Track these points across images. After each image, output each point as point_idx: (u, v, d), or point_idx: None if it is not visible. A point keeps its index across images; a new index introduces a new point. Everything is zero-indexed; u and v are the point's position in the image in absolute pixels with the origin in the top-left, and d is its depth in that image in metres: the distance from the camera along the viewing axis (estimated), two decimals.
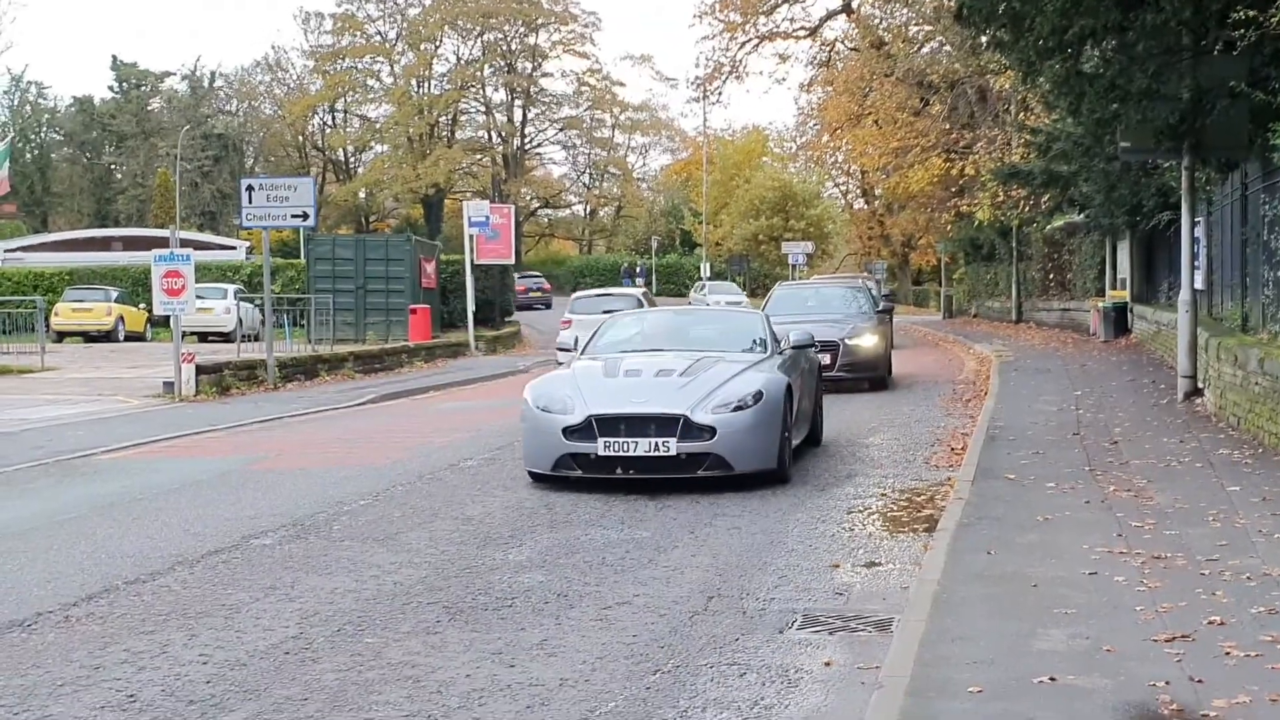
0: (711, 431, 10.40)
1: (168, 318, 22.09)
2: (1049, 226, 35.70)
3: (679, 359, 11.61)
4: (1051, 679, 5.30)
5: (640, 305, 23.26)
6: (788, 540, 8.83)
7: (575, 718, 5.28)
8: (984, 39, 16.23)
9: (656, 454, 10.38)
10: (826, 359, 17.51)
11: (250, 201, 22.18)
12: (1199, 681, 5.24)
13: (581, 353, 12.78)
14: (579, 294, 29.10)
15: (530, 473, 11.10)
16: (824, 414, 14.10)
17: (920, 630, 6.06)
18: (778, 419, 10.78)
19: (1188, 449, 11.92)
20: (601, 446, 10.44)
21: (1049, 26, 14.33)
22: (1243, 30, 13.46)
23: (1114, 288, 31.33)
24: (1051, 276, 38.52)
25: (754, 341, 12.53)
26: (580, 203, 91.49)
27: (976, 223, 38.93)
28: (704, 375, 11.06)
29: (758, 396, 10.66)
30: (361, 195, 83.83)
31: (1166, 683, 5.23)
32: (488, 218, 33.93)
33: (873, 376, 19.92)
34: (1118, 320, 28.75)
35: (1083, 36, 14.32)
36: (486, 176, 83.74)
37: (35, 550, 8.86)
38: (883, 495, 10.61)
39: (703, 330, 13.34)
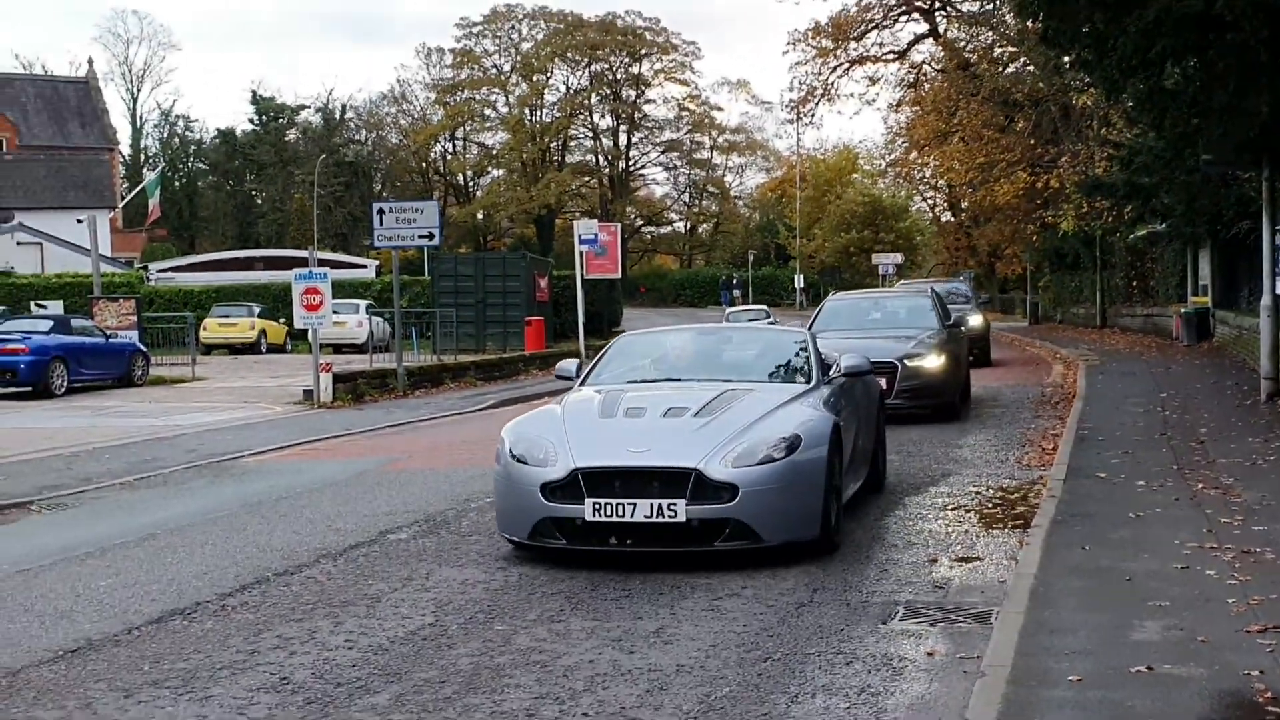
0: (732, 491, 7.53)
1: (306, 331, 22.49)
2: (1132, 236, 34.99)
3: (696, 393, 8.71)
4: (1149, 668, 5.19)
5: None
6: (887, 536, 8.75)
7: (693, 702, 5.28)
8: (1067, 59, 15.96)
9: (660, 520, 7.50)
10: (882, 383, 13.10)
11: (381, 224, 22.50)
12: None
13: (581, 382, 9.65)
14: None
15: (509, 540, 8.27)
16: (888, 443, 11.29)
17: (1019, 622, 5.98)
18: (820, 473, 7.91)
19: (1272, 448, 11.62)
20: (590, 509, 7.57)
21: (1131, 46, 14.05)
22: None
23: (1195, 294, 30.62)
24: (1135, 284, 37.75)
25: (795, 368, 9.61)
26: (681, 219, 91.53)
27: (1061, 233, 38.26)
28: (725, 415, 8.17)
29: (793, 444, 7.83)
30: (479, 216, 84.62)
31: (1260, 672, 5.10)
32: (596, 235, 34.07)
33: (937, 404, 15.57)
34: (1200, 325, 28.08)
35: (1164, 55, 14.02)
36: (594, 197, 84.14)
37: (192, 545, 9.08)
38: (976, 494, 10.45)
39: (734, 354, 10.27)
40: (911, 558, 8.02)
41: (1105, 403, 16.48)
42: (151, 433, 16.86)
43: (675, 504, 7.49)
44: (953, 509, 9.71)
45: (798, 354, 9.78)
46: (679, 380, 9.33)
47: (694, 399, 8.49)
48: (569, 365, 10.00)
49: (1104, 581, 6.78)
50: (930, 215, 75.36)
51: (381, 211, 22.62)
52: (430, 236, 22.49)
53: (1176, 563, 7.13)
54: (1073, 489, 9.78)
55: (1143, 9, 13.60)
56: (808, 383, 9.23)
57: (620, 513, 7.54)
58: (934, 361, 15.66)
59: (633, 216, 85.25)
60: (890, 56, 48.31)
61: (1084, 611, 6.16)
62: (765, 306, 47.54)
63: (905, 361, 15.34)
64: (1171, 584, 6.65)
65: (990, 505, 9.86)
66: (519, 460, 8.00)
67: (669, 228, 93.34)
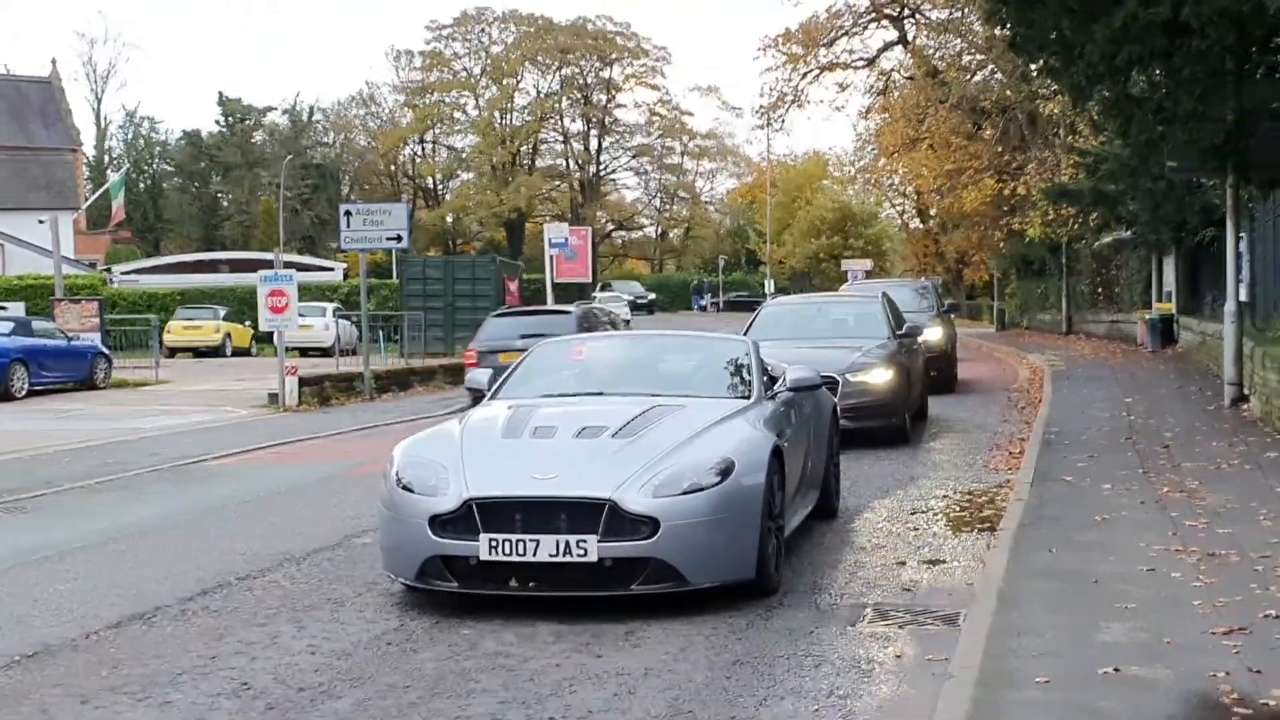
0: (652, 525, 6.51)
1: (272, 334, 22.34)
2: (1097, 243, 35.26)
3: (619, 408, 7.66)
4: (1115, 670, 5.20)
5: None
6: (855, 539, 8.74)
7: (662, 705, 5.24)
8: (1035, 67, 16.00)
9: (568, 559, 6.46)
10: None
11: (349, 226, 22.38)
12: (1257, 672, 5.12)
13: (492, 396, 8.53)
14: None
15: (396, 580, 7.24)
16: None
17: (986, 624, 5.97)
18: (757, 503, 6.86)
19: (1236, 452, 11.69)
20: (486, 546, 6.54)
21: (1098, 53, 14.11)
22: None
23: (1160, 301, 30.85)
24: (1100, 290, 38.01)
25: (734, 381, 8.55)
26: (652, 225, 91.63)
27: (1027, 239, 38.47)
28: (648, 435, 7.15)
29: (725, 470, 6.78)
30: (449, 220, 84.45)
31: (1226, 673, 5.11)
32: (566, 239, 34.14)
33: (885, 425, 13.83)
34: (1164, 331, 28.28)
35: (1131, 62, 14.10)
36: (565, 201, 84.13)
37: (153, 549, 8.98)
38: (944, 496, 10.47)
39: (668, 365, 9.08)
40: (880, 560, 8.01)
41: (1071, 408, 16.54)
42: (113, 436, 16.70)
43: (585, 541, 6.45)
44: (920, 513, 9.71)
45: (738, 364, 8.74)
46: (602, 394, 8.25)
47: (614, 416, 7.44)
48: (481, 376, 9.02)
49: (1071, 584, 6.78)
50: (899, 222, 75.75)
51: (349, 213, 22.51)
52: (398, 239, 22.40)
53: (1142, 565, 7.15)
54: (1039, 493, 9.80)
55: (1110, 16, 13.68)
56: (748, 398, 8.21)
57: (521, 551, 6.49)
58: (881, 376, 13.94)
59: (603, 221, 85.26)
60: (860, 64, 48.58)
61: (1051, 614, 6.17)
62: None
63: (849, 376, 13.46)
64: (1137, 586, 6.66)
65: (958, 509, 9.88)
66: (405, 489, 6.95)
67: (640, 232, 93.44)
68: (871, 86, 49.89)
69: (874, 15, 47.28)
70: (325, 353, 34.11)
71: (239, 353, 38.64)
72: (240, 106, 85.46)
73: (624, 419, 7.38)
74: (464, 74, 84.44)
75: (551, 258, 32.58)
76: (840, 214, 67.65)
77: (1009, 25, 14.65)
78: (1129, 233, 30.00)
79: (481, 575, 6.68)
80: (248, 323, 37.76)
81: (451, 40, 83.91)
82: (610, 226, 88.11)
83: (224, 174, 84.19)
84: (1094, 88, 14.53)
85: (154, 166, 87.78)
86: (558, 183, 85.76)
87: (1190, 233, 25.43)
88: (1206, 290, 26.26)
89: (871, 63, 48.30)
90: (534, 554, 6.50)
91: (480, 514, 6.63)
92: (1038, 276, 45.74)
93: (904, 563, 7.92)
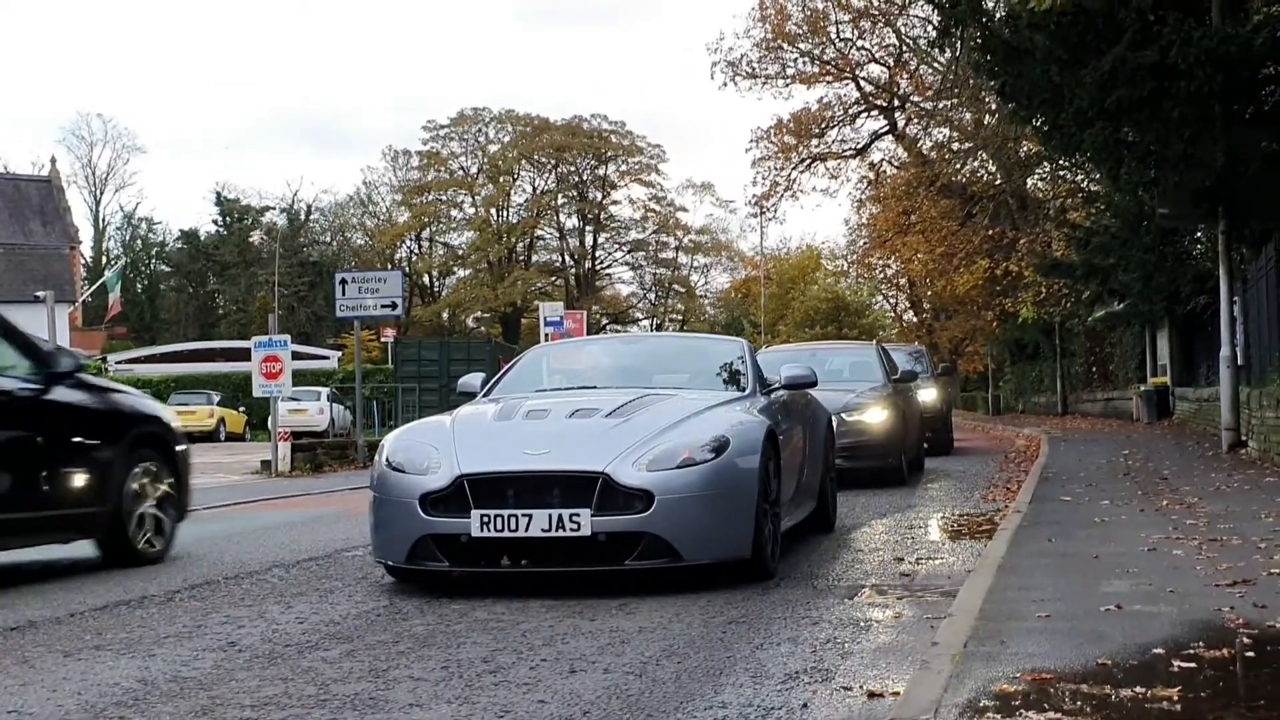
0: (646, 499, 6.42)
1: (266, 419, 22.22)
2: (1090, 318, 35.36)
3: (612, 396, 7.65)
4: (1118, 607, 5.11)
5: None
6: (854, 541, 8.68)
7: (656, 650, 5.13)
8: (1024, 115, 16.17)
9: (561, 534, 6.37)
10: None
11: (344, 294, 22.43)
12: (1262, 607, 5.04)
13: (484, 395, 8.49)
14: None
15: (384, 566, 7.18)
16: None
17: (987, 583, 5.89)
18: (752, 482, 6.78)
19: (1234, 480, 11.64)
20: (477, 523, 6.43)
21: (1088, 99, 14.34)
22: (1272, 86, 13.39)
23: (1155, 375, 30.85)
24: (1094, 369, 38.06)
25: (729, 376, 8.50)
26: (647, 318, 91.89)
27: (1020, 320, 38.61)
28: (642, 415, 7.11)
29: (720, 446, 6.71)
30: (445, 316, 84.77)
31: (1231, 608, 5.05)
32: (561, 318, 34.15)
33: (880, 466, 13.68)
34: (1160, 403, 28.25)
35: (1121, 107, 14.29)
36: (560, 295, 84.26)
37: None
38: (943, 518, 10.40)
39: (662, 364, 9.06)
40: (877, 558, 7.92)
41: (1069, 458, 16.46)
42: None
43: (578, 515, 6.35)
44: (918, 528, 9.64)
45: (734, 362, 8.67)
46: (596, 388, 8.24)
47: (608, 401, 7.38)
48: (473, 380, 8.81)
49: (1071, 560, 6.70)
50: (893, 315, 76.15)
51: (344, 281, 22.58)
52: (393, 306, 22.44)
53: (1143, 547, 7.07)
54: (1038, 509, 9.71)
55: (1098, 60, 13.91)
56: (743, 391, 8.15)
57: (513, 526, 6.39)
58: (877, 415, 13.84)
59: (598, 315, 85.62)
60: (850, 152, 49.08)
61: (1052, 576, 6.09)
62: None
63: (844, 415, 13.20)
64: (1139, 561, 6.57)
65: (955, 526, 9.80)
66: (396, 469, 6.85)
67: (635, 326, 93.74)
68: (864, 177, 50.46)
69: (864, 106, 47.94)
70: (319, 436, 33.92)
71: (233, 437, 38.54)
72: (238, 206, 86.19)
73: (617, 403, 7.31)
74: (461, 173, 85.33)
75: (547, 335, 32.55)
76: (834, 304, 68.00)
77: (997, 73, 14.86)
78: (1121, 306, 30.10)
79: (473, 553, 6.56)
80: (242, 409, 37.69)
81: (449, 140, 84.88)
82: (605, 321, 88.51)
83: (221, 272, 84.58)
84: (1084, 132, 14.69)
85: (151, 267, 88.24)
86: (553, 278, 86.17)
87: (1183, 302, 25.51)
88: (1201, 360, 26.27)
89: (861, 152, 48.84)
90: (526, 529, 6.39)
91: (472, 490, 6.52)
92: (1031, 360, 45.84)
93: (901, 559, 7.82)
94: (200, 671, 4.93)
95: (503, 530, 6.42)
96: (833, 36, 46.48)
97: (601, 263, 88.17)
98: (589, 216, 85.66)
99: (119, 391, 8.83)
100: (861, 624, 5.64)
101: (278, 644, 5.48)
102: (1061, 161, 29.95)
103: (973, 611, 5.12)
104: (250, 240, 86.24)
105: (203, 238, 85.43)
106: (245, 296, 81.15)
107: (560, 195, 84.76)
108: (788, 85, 47.22)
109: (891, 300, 74.59)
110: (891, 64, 46.00)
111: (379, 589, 7.02)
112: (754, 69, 46.78)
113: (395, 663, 5.01)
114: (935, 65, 41.79)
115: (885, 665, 4.76)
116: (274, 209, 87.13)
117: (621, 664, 4.87)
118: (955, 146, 44.46)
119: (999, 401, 51.04)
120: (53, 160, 68.77)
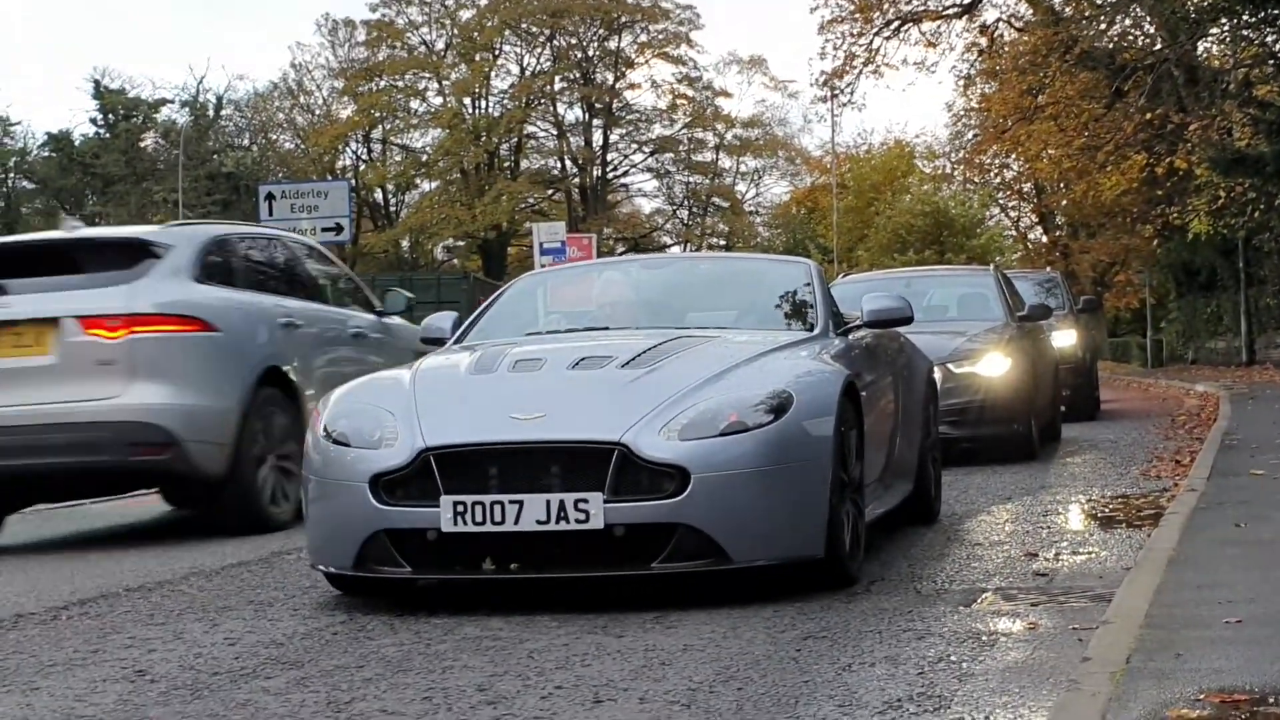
0: (679, 478, 6.17)
1: None
2: None
3: (631, 340, 7.39)
4: None
5: None
6: (967, 533, 8.78)
7: (707, 673, 5.19)
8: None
9: (563, 528, 6.14)
10: None
11: (270, 214, 22.52)
12: None
13: (456, 340, 8.21)
14: None
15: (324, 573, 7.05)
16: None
17: (1154, 582, 5.98)
18: (824, 454, 6.54)
19: None
20: (449, 513, 6.20)
21: None
22: None
23: None
24: None
25: (791, 310, 8.29)
26: (677, 243, 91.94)
27: (1190, 235, 38.44)
28: (671, 365, 6.84)
29: (779, 406, 6.43)
30: (405, 244, 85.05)
31: None
32: (563, 244, 34.26)
33: (1004, 434, 13.43)
34: None
35: None
36: (560, 214, 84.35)
37: (11, 569, 9.09)
38: (1089, 501, 10.50)
39: (703, 295, 8.82)
40: (1001, 554, 8.01)
41: (1259, 421, 16.60)
42: None
43: (586, 501, 6.12)
44: (1056, 514, 9.75)
45: (798, 290, 8.37)
46: (609, 330, 8.02)
47: (625, 347, 7.17)
48: (440, 320, 8.53)
49: (1268, 550, 6.82)
50: (1013, 232, 76.04)
51: (271, 196, 22.71)
52: (337, 229, 22.56)
53: None
54: (1220, 486, 9.84)
55: None
56: (810, 331, 7.93)
57: (498, 517, 6.15)
58: (996, 366, 13.44)
59: (612, 241, 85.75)
60: (954, 9, 48.76)
61: (1242, 571, 6.20)
62: None
63: (951, 366, 12.96)
64: None
65: (1107, 510, 9.89)
66: (338, 442, 6.65)
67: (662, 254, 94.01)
68: (972, 44, 50.20)
69: None
70: None
71: None
72: (124, 100, 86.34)
73: (639, 349, 7.09)
74: (423, 50, 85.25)
75: (544, 266, 32.67)
76: (934, 220, 67.82)
77: None
78: None
79: (444, 554, 6.42)
80: None
81: (406, 5, 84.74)
82: (621, 248, 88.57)
83: (104, 189, 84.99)
84: None
85: (10, 184, 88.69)
86: (551, 191, 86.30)
87: None
88: None
89: (970, 9, 48.56)
90: (516, 521, 6.18)
91: (441, 469, 6.32)
92: (1206, 292, 45.75)
93: (1034, 555, 7.89)
94: (100, 709, 5.03)
95: (484, 523, 6.21)
96: None
97: (615, 169, 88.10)
98: (597, 106, 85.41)
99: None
100: (984, 638, 5.71)
101: (203, 671, 5.58)
102: (1246, 16, 29.74)
103: (1136, 618, 5.20)
104: (142, 145, 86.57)
105: (77, 142, 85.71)
106: (137, 219, 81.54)
107: (558, 78, 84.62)
108: None
109: (1013, 213, 74.42)
110: None
111: (333, 601, 7.11)
112: None
113: (361, 693, 5.10)
114: None
115: (1018, 689, 4.82)
116: (172, 102, 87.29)
117: (663, 691, 4.94)
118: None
119: (1160, 348, 51.01)
120: None
